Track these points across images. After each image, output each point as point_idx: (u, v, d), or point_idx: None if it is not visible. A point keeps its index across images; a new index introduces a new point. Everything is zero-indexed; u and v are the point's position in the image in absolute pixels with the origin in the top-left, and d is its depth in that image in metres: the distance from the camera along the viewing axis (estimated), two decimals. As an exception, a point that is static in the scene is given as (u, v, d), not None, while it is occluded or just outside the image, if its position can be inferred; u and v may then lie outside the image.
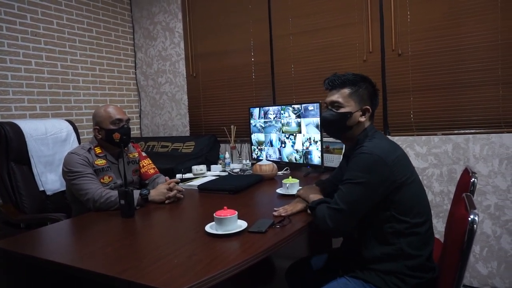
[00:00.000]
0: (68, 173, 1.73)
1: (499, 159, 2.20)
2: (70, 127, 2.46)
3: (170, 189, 1.75)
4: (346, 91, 1.33)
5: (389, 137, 2.47)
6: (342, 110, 1.33)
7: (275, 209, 1.47)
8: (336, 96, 1.34)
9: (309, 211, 1.37)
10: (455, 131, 2.33)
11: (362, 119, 1.33)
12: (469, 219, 1.04)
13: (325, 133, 1.95)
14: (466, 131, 2.29)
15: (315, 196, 1.42)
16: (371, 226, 1.24)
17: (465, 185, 1.61)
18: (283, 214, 1.41)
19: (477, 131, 2.26)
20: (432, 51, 2.36)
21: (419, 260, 1.21)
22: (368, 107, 1.33)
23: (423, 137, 2.40)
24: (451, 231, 1.16)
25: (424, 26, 2.37)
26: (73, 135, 2.45)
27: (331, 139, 2.33)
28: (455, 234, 1.10)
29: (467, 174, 1.66)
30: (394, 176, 1.19)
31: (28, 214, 2.07)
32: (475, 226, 1.03)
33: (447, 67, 2.32)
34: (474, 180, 1.55)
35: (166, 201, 1.72)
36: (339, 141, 1.62)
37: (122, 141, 1.82)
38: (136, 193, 1.66)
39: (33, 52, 2.73)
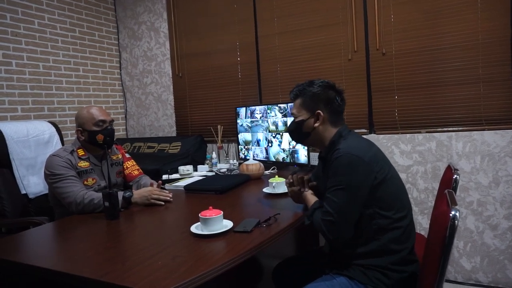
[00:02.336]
0: (50, 175, 1.70)
1: (481, 156, 2.25)
2: (53, 129, 2.41)
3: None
4: (298, 101, 1.40)
5: (374, 135, 2.51)
6: (297, 119, 1.41)
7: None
8: (293, 108, 1.44)
9: (306, 222, 1.35)
10: (439, 129, 2.36)
11: (317, 124, 1.36)
12: (451, 215, 1.05)
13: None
14: (449, 128, 2.34)
15: (308, 199, 1.42)
16: (356, 224, 1.25)
17: (448, 181, 1.63)
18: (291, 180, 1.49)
19: (460, 128, 2.31)
20: (415, 50, 2.39)
21: (401, 254, 1.22)
22: (319, 111, 1.35)
23: (408, 135, 2.44)
24: (434, 226, 1.18)
25: (407, 25, 2.40)
26: (56, 137, 2.40)
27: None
28: (437, 230, 1.12)
29: (450, 171, 1.69)
30: (374, 173, 1.21)
31: (9, 218, 2.02)
32: (456, 221, 1.05)
33: (430, 66, 2.36)
34: (456, 177, 1.58)
35: (153, 202, 1.70)
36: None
37: (105, 142, 1.79)
38: (120, 195, 1.63)
39: (14, 52, 2.66)
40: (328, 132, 1.36)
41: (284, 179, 1.81)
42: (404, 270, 1.22)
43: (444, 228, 1.07)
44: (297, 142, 1.59)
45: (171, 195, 1.78)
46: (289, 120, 2.37)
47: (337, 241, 1.23)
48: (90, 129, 1.78)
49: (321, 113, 1.35)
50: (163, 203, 1.73)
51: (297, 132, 1.42)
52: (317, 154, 2.39)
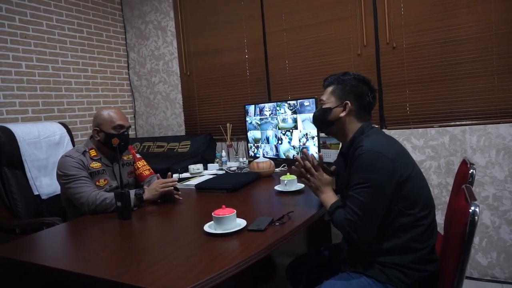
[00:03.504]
0: (63, 176, 1.70)
1: (496, 150, 2.20)
2: (64, 130, 2.42)
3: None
4: (330, 89, 1.39)
5: (385, 130, 2.47)
6: (324, 106, 1.39)
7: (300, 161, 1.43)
8: (323, 95, 1.42)
9: (326, 217, 1.31)
10: (452, 123, 2.32)
11: (342, 114, 1.34)
12: (470, 210, 1.03)
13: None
14: (463, 122, 2.29)
15: (328, 198, 1.36)
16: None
17: (464, 176, 1.60)
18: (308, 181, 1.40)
19: (474, 122, 2.26)
20: (426, 43, 2.35)
21: (422, 252, 1.20)
22: (347, 102, 1.33)
23: (420, 130, 2.39)
24: (452, 223, 1.15)
25: (418, 18, 2.36)
26: (67, 137, 2.42)
27: (327, 135, 2.32)
28: (456, 226, 1.09)
29: (465, 165, 1.65)
30: (399, 169, 1.18)
31: (23, 219, 2.04)
32: (476, 217, 1.02)
33: (442, 59, 2.31)
34: (473, 171, 1.55)
35: (162, 190, 1.69)
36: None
37: (119, 147, 1.79)
38: (132, 194, 1.63)
39: (23, 54, 2.68)
40: (352, 125, 1.34)
41: (296, 177, 1.79)
42: (424, 269, 1.19)
43: (463, 225, 1.04)
44: (320, 130, 1.57)
45: (175, 181, 1.76)
46: (300, 116, 2.35)
47: (362, 241, 1.19)
48: (107, 131, 1.79)
49: (349, 104, 1.33)
50: (172, 187, 1.72)
51: (322, 118, 1.39)
52: (329, 150, 2.37)
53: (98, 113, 1.85)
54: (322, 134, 2.28)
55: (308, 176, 1.42)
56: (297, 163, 1.45)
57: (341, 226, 1.22)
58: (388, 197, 1.17)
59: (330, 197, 1.36)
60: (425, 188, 1.28)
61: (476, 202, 1.05)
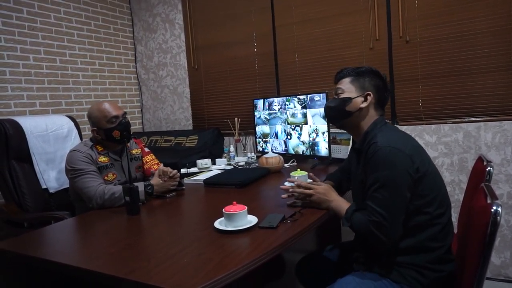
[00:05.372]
0: (71, 171, 1.69)
1: (512, 147, 2.14)
2: (71, 123, 2.40)
3: (166, 174, 1.75)
4: (348, 79, 1.34)
5: (398, 126, 2.42)
6: (342, 95, 1.34)
7: (289, 191, 1.42)
8: (339, 85, 1.37)
9: (344, 224, 1.25)
10: (466, 119, 2.26)
11: (363, 105, 1.30)
12: (492, 210, 0.99)
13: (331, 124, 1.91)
14: (477, 118, 2.23)
15: (339, 203, 1.32)
16: None
17: (479, 174, 1.55)
18: (295, 194, 1.39)
19: (489, 118, 2.20)
20: (441, 37, 2.28)
21: (439, 252, 1.16)
22: (369, 92, 1.30)
23: (433, 126, 2.34)
24: (470, 223, 1.11)
25: (432, 11, 2.29)
26: (75, 131, 2.40)
27: (338, 130, 2.28)
28: (476, 227, 1.05)
29: (481, 162, 1.61)
30: (416, 164, 1.14)
31: (31, 213, 2.03)
32: (498, 217, 0.99)
33: (457, 53, 2.25)
34: (490, 169, 1.50)
35: (172, 188, 1.74)
36: (345, 131, 1.57)
37: (123, 137, 1.77)
38: (141, 186, 1.61)
39: (31, 47, 2.66)
40: (369, 119, 1.30)
41: (306, 173, 1.76)
42: (441, 269, 1.16)
43: (484, 225, 1.01)
44: (333, 121, 1.43)
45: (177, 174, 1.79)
46: (310, 111, 2.31)
47: (391, 242, 1.14)
48: (105, 127, 1.75)
49: (371, 95, 1.30)
50: (175, 170, 1.75)
51: (339, 109, 1.32)
52: (339, 146, 2.33)
53: (89, 112, 1.80)
54: (333, 129, 2.24)
55: (307, 197, 1.38)
56: (289, 195, 1.41)
57: (365, 229, 1.16)
58: (408, 192, 1.13)
59: (341, 203, 1.31)
60: (442, 186, 1.24)
61: (498, 201, 1.01)
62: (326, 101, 2.16)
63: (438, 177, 1.24)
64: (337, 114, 1.35)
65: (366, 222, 1.15)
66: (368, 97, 1.30)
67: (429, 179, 1.16)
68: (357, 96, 1.30)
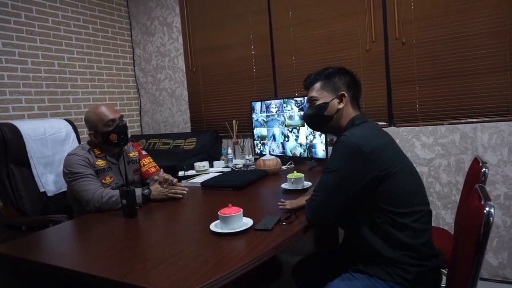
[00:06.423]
0: (68, 174, 1.70)
1: (509, 148, 2.15)
2: (70, 127, 2.41)
3: (167, 181, 1.74)
4: (318, 85, 1.37)
5: (394, 128, 2.43)
6: (318, 102, 1.36)
7: (282, 200, 1.45)
8: (311, 93, 1.39)
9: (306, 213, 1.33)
10: (462, 120, 2.27)
11: (340, 105, 1.33)
12: (485, 211, 1.00)
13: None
14: (474, 120, 2.24)
15: (302, 198, 1.43)
16: (363, 219, 1.21)
17: (475, 175, 1.56)
18: (288, 207, 1.39)
19: (485, 119, 2.21)
20: (437, 38, 2.30)
21: (416, 248, 1.17)
22: (343, 92, 1.33)
23: (430, 127, 2.35)
24: (465, 224, 1.12)
25: (428, 13, 2.31)
26: (73, 134, 2.41)
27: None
28: (469, 227, 1.06)
29: (477, 164, 1.62)
30: (374, 165, 1.15)
31: (29, 216, 2.03)
32: (491, 218, 0.99)
33: (453, 55, 2.26)
34: (485, 170, 1.51)
35: (171, 196, 1.72)
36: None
37: (120, 140, 1.77)
38: (138, 191, 1.62)
39: (29, 51, 2.67)
40: (347, 117, 1.33)
41: (303, 175, 1.77)
42: (423, 264, 1.17)
43: (477, 225, 1.01)
44: (316, 129, 1.51)
45: (186, 190, 1.78)
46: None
47: (313, 220, 1.24)
48: (102, 131, 1.76)
49: (345, 94, 1.32)
50: (181, 196, 1.73)
51: (318, 116, 1.35)
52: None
53: (86, 116, 1.81)
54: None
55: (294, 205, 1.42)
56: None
57: (306, 208, 1.26)
58: (351, 189, 1.17)
59: (302, 198, 1.41)
60: (411, 186, 1.22)
61: (491, 202, 1.02)
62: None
63: (409, 177, 1.23)
64: (318, 121, 1.39)
65: (307, 199, 1.26)
66: (343, 97, 1.32)
67: (394, 179, 1.16)
68: (333, 99, 1.33)
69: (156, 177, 1.80)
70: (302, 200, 1.43)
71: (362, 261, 1.23)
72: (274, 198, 1.70)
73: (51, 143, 2.26)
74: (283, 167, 2.31)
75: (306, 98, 2.17)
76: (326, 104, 1.33)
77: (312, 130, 2.29)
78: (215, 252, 1.08)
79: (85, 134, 2.88)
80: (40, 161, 2.17)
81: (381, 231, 1.18)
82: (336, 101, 1.33)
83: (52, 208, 2.14)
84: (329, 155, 2.21)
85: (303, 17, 2.72)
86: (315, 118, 1.38)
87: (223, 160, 2.74)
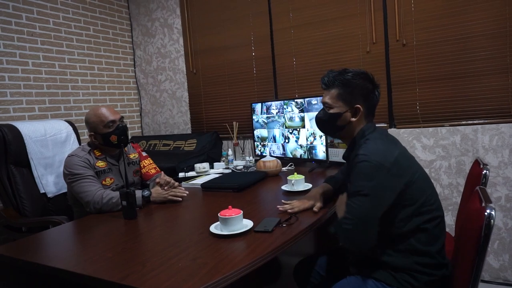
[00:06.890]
0: (69, 175, 1.69)
1: (510, 150, 2.14)
2: (70, 128, 2.42)
3: (168, 184, 1.74)
4: (335, 92, 1.31)
5: (394, 130, 2.42)
6: (331, 111, 1.32)
7: (283, 201, 1.44)
8: (326, 97, 1.34)
9: (332, 229, 1.24)
10: (463, 122, 2.27)
11: (353, 119, 1.30)
12: (486, 213, 0.99)
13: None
14: (475, 121, 2.24)
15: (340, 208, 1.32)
16: (379, 225, 1.20)
17: (476, 177, 1.56)
18: (289, 211, 1.37)
19: (486, 121, 2.20)
20: (437, 40, 2.29)
21: (429, 256, 1.16)
22: (359, 106, 1.28)
23: (430, 129, 2.35)
24: (465, 226, 1.11)
25: (429, 14, 2.30)
26: (73, 135, 2.41)
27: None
28: (470, 230, 1.06)
29: (477, 165, 1.61)
30: (398, 177, 1.14)
31: (29, 218, 2.03)
32: (492, 221, 0.99)
33: (454, 56, 2.26)
34: (486, 172, 1.50)
35: (171, 198, 1.71)
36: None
37: (120, 141, 1.77)
38: (138, 193, 1.62)
39: (30, 52, 2.68)
40: (359, 127, 1.31)
41: (303, 176, 1.76)
42: (433, 273, 1.16)
43: (478, 227, 1.01)
44: (324, 132, 1.50)
45: (187, 193, 1.77)
46: (308, 115, 2.31)
47: (353, 250, 1.18)
48: (102, 132, 1.76)
49: (361, 108, 1.28)
50: (180, 199, 1.72)
51: (331, 124, 1.34)
52: (336, 149, 2.33)
53: (86, 118, 1.81)
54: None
55: (295, 208, 1.41)
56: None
57: (340, 237, 1.17)
58: (383, 207, 1.14)
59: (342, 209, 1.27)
60: (428, 192, 1.21)
61: (491, 204, 1.02)
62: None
63: (425, 183, 1.23)
64: (328, 128, 1.38)
65: (340, 228, 1.17)
66: (358, 110, 1.28)
67: (415, 187, 1.16)
68: (346, 111, 1.29)
69: (157, 180, 1.80)
70: (305, 203, 1.43)
71: (369, 265, 1.22)
72: (274, 200, 1.70)
73: (51, 144, 2.26)
74: (283, 168, 2.30)
75: (319, 98, 2.19)
76: (339, 115, 1.30)
77: (312, 132, 2.29)
78: (214, 254, 1.08)
79: (85, 135, 2.90)
80: (40, 162, 2.17)
81: (396, 237, 1.17)
82: (349, 113, 1.29)
83: (52, 210, 2.14)
84: (329, 155, 2.21)
85: (304, 18, 2.72)
86: (326, 125, 1.36)
87: (223, 161, 2.74)
